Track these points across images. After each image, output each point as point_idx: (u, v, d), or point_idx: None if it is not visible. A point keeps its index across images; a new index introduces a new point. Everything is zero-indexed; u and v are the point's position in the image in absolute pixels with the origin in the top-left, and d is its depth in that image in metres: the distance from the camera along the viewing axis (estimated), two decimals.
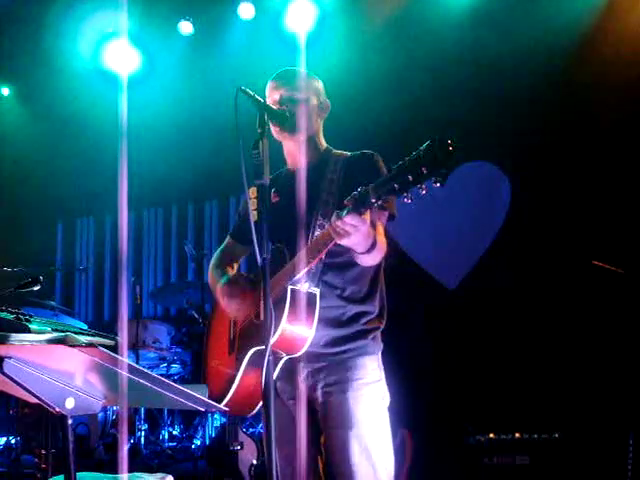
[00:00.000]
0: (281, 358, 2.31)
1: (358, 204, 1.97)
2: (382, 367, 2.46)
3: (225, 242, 2.82)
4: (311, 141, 2.54)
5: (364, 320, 2.42)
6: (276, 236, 2.37)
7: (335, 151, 2.58)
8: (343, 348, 2.38)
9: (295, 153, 2.56)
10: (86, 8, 6.32)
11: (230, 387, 2.37)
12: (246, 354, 2.35)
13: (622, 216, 5.10)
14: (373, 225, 2.23)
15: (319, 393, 2.39)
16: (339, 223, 2.03)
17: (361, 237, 2.09)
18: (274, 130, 2.45)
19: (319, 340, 2.35)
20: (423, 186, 1.82)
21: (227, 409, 2.25)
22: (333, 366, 2.38)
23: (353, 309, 2.41)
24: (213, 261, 2.77)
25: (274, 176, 2.55)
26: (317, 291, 2.28)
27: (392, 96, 5.76)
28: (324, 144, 2.60)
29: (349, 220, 2.00)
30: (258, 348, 2.30)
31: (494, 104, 5.55)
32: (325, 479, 2.48)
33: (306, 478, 2.39)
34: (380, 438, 2.37)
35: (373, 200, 1.94)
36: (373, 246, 2.19)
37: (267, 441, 1.95)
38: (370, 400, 2.37)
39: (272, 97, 2.49)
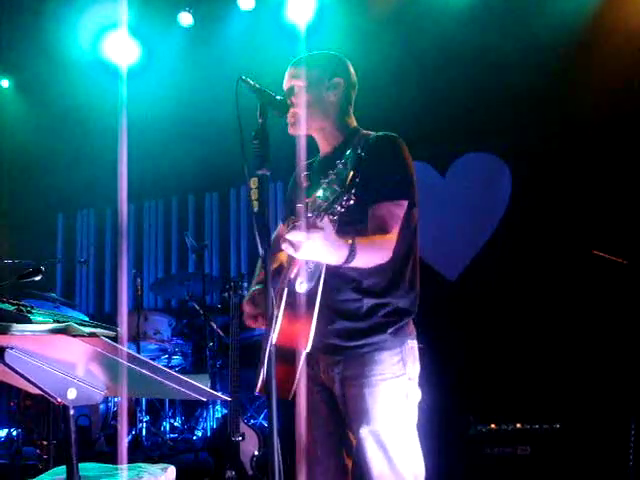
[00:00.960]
0: (300, 352, 2.26)
1: (301, 220, 1.90)
2: (410, 362, 2.33)
3: (277, 229, 2.76)
4: (329, 126, 2.46)
5: (382, 312, 2.33)
6: None
7: (363, 132, 2.45)
8: (361, 342, 2.32)
9: (318, 140, 2.50)
10: None
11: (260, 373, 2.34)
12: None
13: (624, 205, 5.10)
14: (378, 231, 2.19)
15: (337, 386, 2.37)
16: (281, 240, 1.96)
17: (312, 252, 1.96)
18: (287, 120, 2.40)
19: (337, 333, 2.33)
20: (343, 203, 1.84)
21: (229, 399, 2.24)
22: (350, 360, 2.34)
23: (371, 302, 2.33)
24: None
25: (309, 162, 2.53)
26: (318, 289, 2.17)
27: (392, 87, 5.74)
28: (351, 124, 2.50)
29: (290, 237, 1.92)
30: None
31: (495, 96, 5.53)
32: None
33: (329, 468, 2.41)
34: (400, 436, 2.30)
35: (309, 215, 1.88)
36: (352, 255, 2.02)
37: (270, 434, 1.94)
38: (388, 396, 2.30)
39: (285, 88, 2.45)
